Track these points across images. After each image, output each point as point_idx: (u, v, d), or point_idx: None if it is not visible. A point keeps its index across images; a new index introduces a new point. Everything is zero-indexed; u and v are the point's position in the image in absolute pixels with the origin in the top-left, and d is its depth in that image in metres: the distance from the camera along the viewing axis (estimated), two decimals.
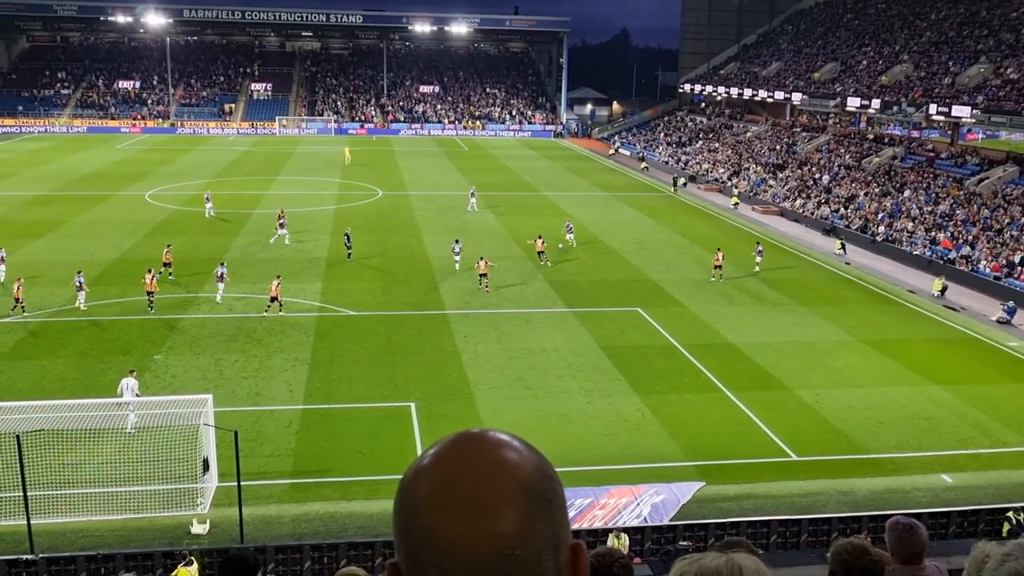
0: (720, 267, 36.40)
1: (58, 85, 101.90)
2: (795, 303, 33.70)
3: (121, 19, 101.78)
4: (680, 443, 21.43)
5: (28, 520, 16.09)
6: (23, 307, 29.47)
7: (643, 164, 74.93)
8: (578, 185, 63.57)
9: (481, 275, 33.73)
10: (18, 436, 16.11)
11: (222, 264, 32.55)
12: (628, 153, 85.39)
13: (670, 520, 17.76)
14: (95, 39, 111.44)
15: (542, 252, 38.30)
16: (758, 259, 38.23)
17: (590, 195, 59.14)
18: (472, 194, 52.25)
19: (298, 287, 33.81)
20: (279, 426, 21.74)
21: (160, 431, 19.73)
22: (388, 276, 35.90)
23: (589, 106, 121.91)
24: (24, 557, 15.30)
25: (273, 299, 29.91)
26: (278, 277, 30.94)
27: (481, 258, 34.49)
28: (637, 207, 54.72)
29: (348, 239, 38.61)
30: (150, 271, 30.81)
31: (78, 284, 30.46)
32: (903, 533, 3.86)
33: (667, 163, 76.26)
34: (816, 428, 22.60)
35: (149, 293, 30.34)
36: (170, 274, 33.69)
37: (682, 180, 64.75)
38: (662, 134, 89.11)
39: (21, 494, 16.08)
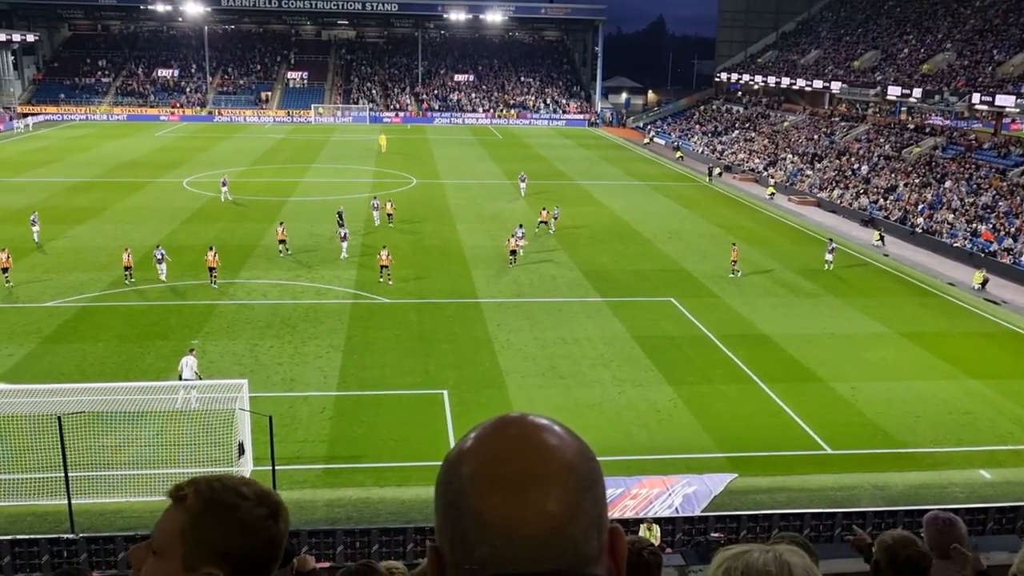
0: (736, 262, 35.80)
1: (99, 73, 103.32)
2: (831, 294, 33.31)
3: (160, 8, 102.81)
4: (712, 434, 21.32)
5: (69, 500, 16.42)
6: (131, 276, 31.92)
7: (678, 153, 74.37)
8: (612, 174, 63.27)
9: (512, 251, 35.62)
10: (59, 418, 16.43)
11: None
12: (663, 142, 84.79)
13: (702, 511, 17.69)
14: (135, 28, 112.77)
15: (544, 222, 42.27)
16: (829, 256, 37.24)
17: (624, 184, 58.84)
18: (522, 179, 52.90)
19: (332, 274, 34.05)
20: (313, 412, 21.95)
21: (197, 415, 20.03)
22: (421, 264, 36.03)
23: (624, 95, 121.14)
24: (65, 536, 15.63)
25: (384, 267, 32.94)
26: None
27: (512, 235, 36.25)
28: (671, 197, 54.36)
29: (340, 217, 39.21)
30: (212, 248, 32.32)
31: (159, 257, 32.20)
32: (943, 527, 3.81)
33: (702, 152, 75.63)
34: (851, 421, 22.36)
35: (211, 269, 31.84)
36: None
37: (717, 170, 64.17)
38: (697, 123, 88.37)
39: (62, 475, 16.41)
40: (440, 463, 1.33)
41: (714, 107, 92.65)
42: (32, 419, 18.78)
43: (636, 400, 23.07)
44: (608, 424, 21.59)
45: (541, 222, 42.38)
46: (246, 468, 18.59)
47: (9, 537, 15.32)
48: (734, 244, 36.92)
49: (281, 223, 38.54)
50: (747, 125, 79.64)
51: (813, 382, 24.71)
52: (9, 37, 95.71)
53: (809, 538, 16.76)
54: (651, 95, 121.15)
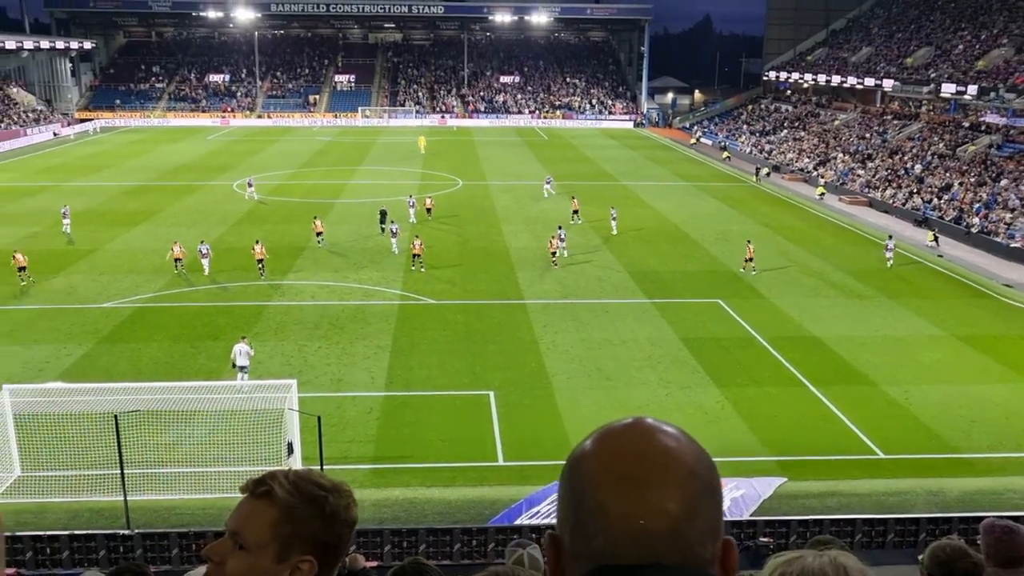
0: (751, 260, 35.44)
1: (153, 79, 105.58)
2: (883, 296, 32.71)
3: (212, 14, 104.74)
4: (761, 437, 21.07)
5: (125, 496, 16.80)
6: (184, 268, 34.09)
7: (725, 154, 73.66)
8: (658, 175, 62.90)
9: (553, 252, 35.88)
10: (116, 416, 16.81)
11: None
12: (710, 143, 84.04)
13: (750, 515, 17.49)
14: (187, 34, 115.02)
15: (577, 211, 44.20)
16: (888, 255, 36.89)
17: (670, 185, 58.45)
18: (548, 181, 53.11)
19: (380, 275, 34.35)
20: (360, 412, 22.16)
21: (247, 415, 20.30)
22: (467, 265, 36.18)
23: (670, 95, 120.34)
24: (121, 532, 15.98)
25: (417, 256, 34.94)
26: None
27: (553, 236, 36.62)
28: (718, 197, 53.86)
29: (384, 217, 40.90)
30: (257, 241, 34.40)
31: (203, 252, 33.80)
32: (1002, 536, 3.72)
33: (750, 152, 74.80)
34: (904, 425, 21.93)
35: (260, 261, 33.67)
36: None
37: (765, 170, 63.43)
38: (745, 123, 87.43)
39: (119, 472, 16.79)
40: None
41: (762, 106, 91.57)
42: (90, 417, 19.24)
43: (683, 402, 22.90)
44: None
45: (574, 211, 43.97)
46: (295, 468, 18.83)
47: (68, 532, 15.72)
48: (749, 241, 36.62)
49: (316, 217, 40.44)
50: (796, 124, 78.57)
51: (865, 385, 24.29)
52: (67, 45, 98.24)
53: (861, 544, 16.51)
54: (697, 95, 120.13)
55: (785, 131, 77.76)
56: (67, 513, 17.43)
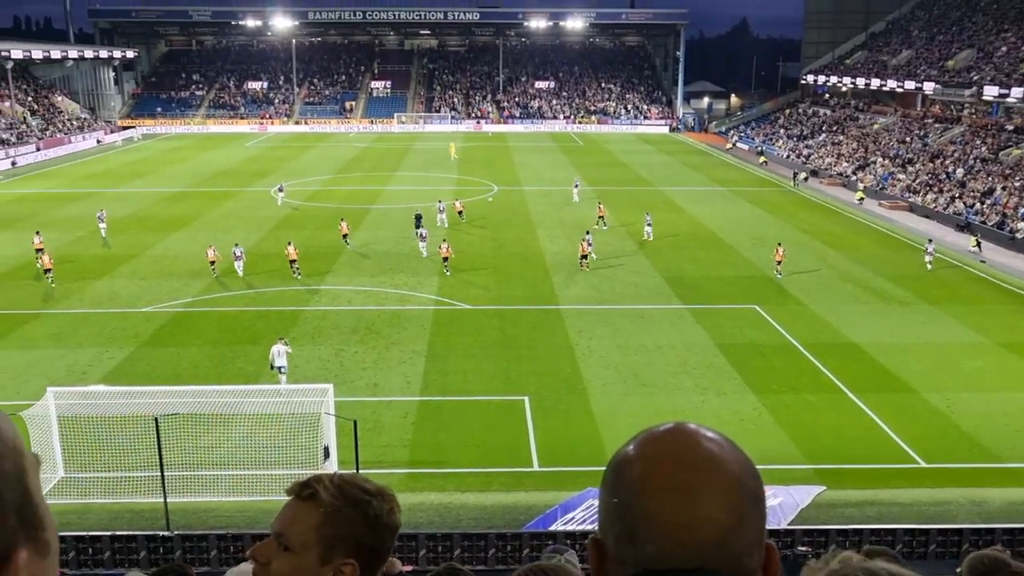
0: (780, 262, 35.30)
1: (193, 87, 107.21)
2: (924, 302, 32.20)
3: (250, 23, 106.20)
4: (799, 445, 20.83)
5: (165, 498, 17.04)
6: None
7: (762, 158, 73.06)
8: (694, 180, 62.54)
9: (582, 256, 36.19)
10: (156, 419, 17.05)
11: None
12: (746, 147, 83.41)
13: (788, 524, 17.29)
14: (227, 42, 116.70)
15: (602, 216, 44.19)
16: (928, 259, 36.69)
17: (706, 190, 58.08)
18: (576, 185, 53.51)
19: (415, 280, 34.52)
20: (396, 416, 22.27)
21: (284, 418, 20.49)
22: (502, 271, 36.23)
23: (706, 99, 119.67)
24: (161, 533, 16.20)
25: (445, 259, 35.64)
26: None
27: (583, 239, 36.88)
28: (755, 202, 53.41)
29: (419, 221, 41.29)
30: (290, 243, 35.35)
31: (237, 254, 34.83)
32: None
33: (787, 157, 74.10)
34: (946, 434, 21.55)
35: (292, 262, 34.58)
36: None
37: (803, 175, 62.79)
38: (782, 127, 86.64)
39: (159, 474, 17.03)
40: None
41: (800, 110, 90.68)
42: (131, 420, 19.55)
43: (719, 409, 22.72)
44: None
45: (599, 217, 43.96)
46: (330, 471, 18.96)
47: (109, 533, 15.97)
48: (779, 244, 36.43)
49: (342, 219, 41.46)
50: (835, 128, 77.70)
51: (905, 393, 23.92)
52: (110, 54, 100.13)
53: (902, 554, 16.24)
54: (734, 99, 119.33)
55: (823, 135, 76.92)
56: (109, 514, 17.70)
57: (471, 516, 17.93)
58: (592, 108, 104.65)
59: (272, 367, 23.75)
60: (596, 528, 1.39)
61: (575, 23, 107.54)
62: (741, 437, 20.83)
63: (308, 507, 1.68)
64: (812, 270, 36.63)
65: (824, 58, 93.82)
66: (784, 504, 17.95)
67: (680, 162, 72.72)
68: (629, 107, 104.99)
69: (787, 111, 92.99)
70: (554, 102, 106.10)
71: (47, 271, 33.77)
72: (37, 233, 37.82)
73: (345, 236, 40.42)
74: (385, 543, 1.74)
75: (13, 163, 69.84)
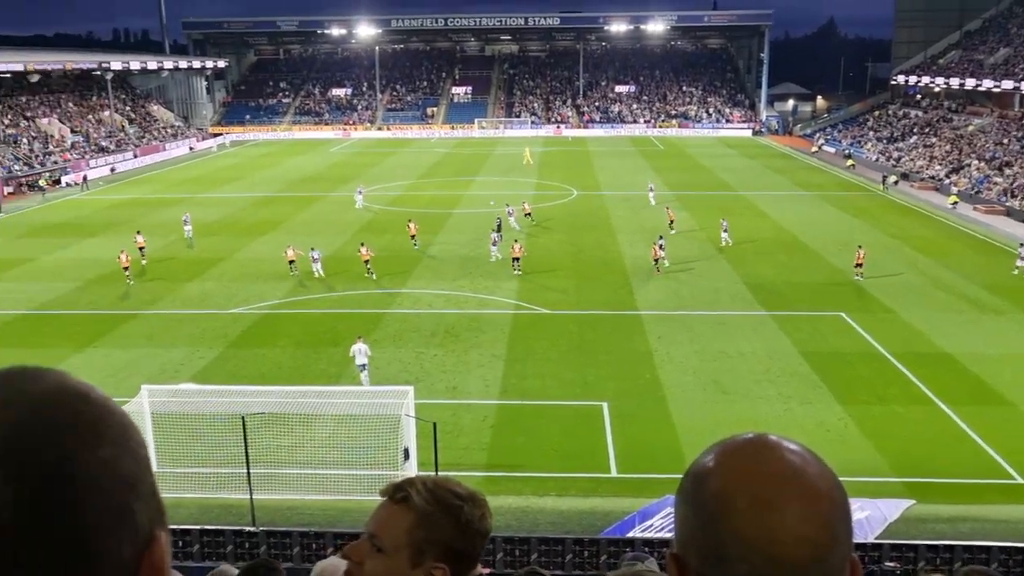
0: (861, 265, 34.54)
1: (280, 95, 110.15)
2: (1021, 311, 30.86)
3: (335, 31, 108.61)
4: (887, 457, 20.20)
5: (251, 495, 17.52)
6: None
7: (849, 161, 71.14)
8: (778, 184, 61.30)
9: (656, 260, 36.20)
10: (243, 418, 17.56)
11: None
12: (833, 150, 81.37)
13: (875, 538, 16.77)
14: (312, 51, 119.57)
15: (672, 221, 43.58)
16: (1021, 263, 35.51)
17: (790, 194, 56.86)
18: (651, 189, 53.54)
19: (495, 285, 34.72)
20: (475, 419, 22.42)
21: (365, 419, 20.84)
22: (582, 276, 36.15)
23: (791, 102, 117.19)
24: (247, 528, 16.66)
25: (516, 259, 36.20)
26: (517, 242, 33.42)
27: (655, 243, 36.87)
28: (841, 207, 52.05)
29: (500, 226, 41.69)
30: (362, 244, 36.74)
31: (314, 257, 35.97)
32: None
33: (876, 160, 72.01)
34: None
35: (366, 262, 35.69)
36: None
37: (893, 178, 60.89)
38: (871, 129, 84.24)
39: (245, 470, 17.53)
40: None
41: (890, 112, 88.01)
42: (219, 418, 20.17)
43: (803, 418, 22.20)
44: None
45: (670, 222, 43.69)
46: (410, 473, 19.21)
47: (199, 527, 16.48)
48: (860, 247, 35.69)
49: (410, 220, 42.47)
50: (927, 130, 75.18)
51: (1002, 406, 22.96)
52: (203, 64, 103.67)
53: (999, 573, 15.59)
54: (820, 101, 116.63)
55: (914, 137, 74.50)
56: (199, 508, 18.28)
57: (548, 520, 17.92)
58: (673, 112, 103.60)
59: (354, 362, 24.45)
60: (673, 540, 1.34)
61: (656, 26, 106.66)
62: (826, 448, 20.40)
63: (401, 509, 1.71)
64: (901, 275, 35.50)
65: (916, 58, 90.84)
66: (871, 518, 17.41)
67: (763, 166, 71.38)
68: (711, 110, 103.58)
69: (876, 113, 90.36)
70: (634, 106, 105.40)
71: (125, 268, 35.72)
72: (138, 232, 40.28)
73: (413, 237, 41.30)
74: (475, 548, 1.74)
75: (112, 169, 72.90)
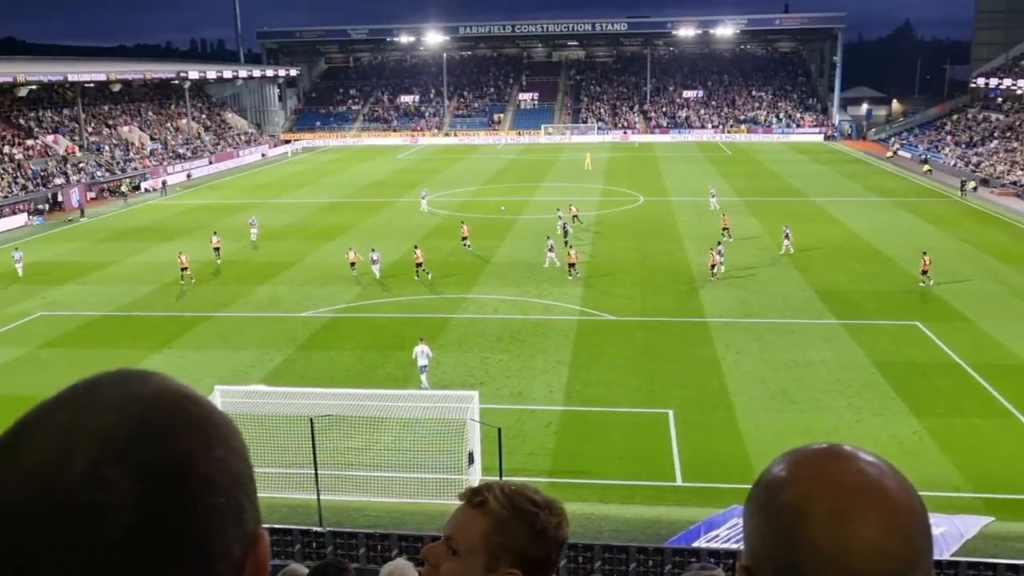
0: (927, 272, 33.75)
1: (349, 102, 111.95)
2: None
3: (404, 39, 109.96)
4: (964, 472, 19.55)
5: (318, 495, 17.81)
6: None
7: (926, 167, 69.20)
8: (850, 190, 59.95)
9: (712, 266, 35.76)
10: (311, 419, 17.87)
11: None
12: (908, 155, 79.26)
13: (951, 555, 16.25)
14: (381, 58, 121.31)
15: (727, 228, 42.66)
16: None
17: (864, 200, 55.55)
18: (712, 194, 52.91)
19: (560, 291, 34.68)
20: (539, 425, 22.42)
21: (430, 423, 21.02)
22: (648, 282, 35.87)
23: (864, 106, 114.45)
24: (314, 528, 16.94)
25: (571, 266, 36.37)
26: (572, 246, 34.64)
27: (712, 249, 36.64)
28: (917, 213, 50.64)
29: (566, 233, 42.28)
30: (416, 246, 37.69)
31: (373, 259, 36.91)
32: None
33: (954, 165, 69.89)
34: None
35: (419, 264, 36.48)
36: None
37: (972, 184, 59.00)
38: (949, 134, 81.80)
39: (313, 471, 17.83)
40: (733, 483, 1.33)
41: (969, 115, 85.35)
42: (288, 419, 20.56)
43: (876, 430, 21.63)
44: None
45: (724, 228, 42.86)
46: (475, 477, 19.30)
47: (268, 525, 16.80)
48: (925, 252, 35.03)
49: (463, 222, 43.74)
50: (1008, 134, 72.68)
51: None
52: (276, 72, 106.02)
53: None
54: (895, 105, 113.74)
55: (995, 142, 72.09)
56: (268, 507, 18.62)
57: (612, 528, 17.81)
58: (742, 117, 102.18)
59: (416, 363, 24.91)
60: (742, 551, 1.30)
61: (725, 30, 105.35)
62: (900, 461, 19.73)
63: (477, 514, 1.72)
64: (979, 284, 34.36)
65: (997, 60, 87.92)
66: (947, 534, 16.87)
67: (835, 171, 69.90)
68: (781, 115, 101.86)
69: (954, 117, 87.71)
70: (702, 111, 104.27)
71: (184, 269, 37.08)
72: (215, 233, 42.29)
73: (464, 239, 42.11)
74: (551, 556, 1.73)
75: (188, 175, 75.01)
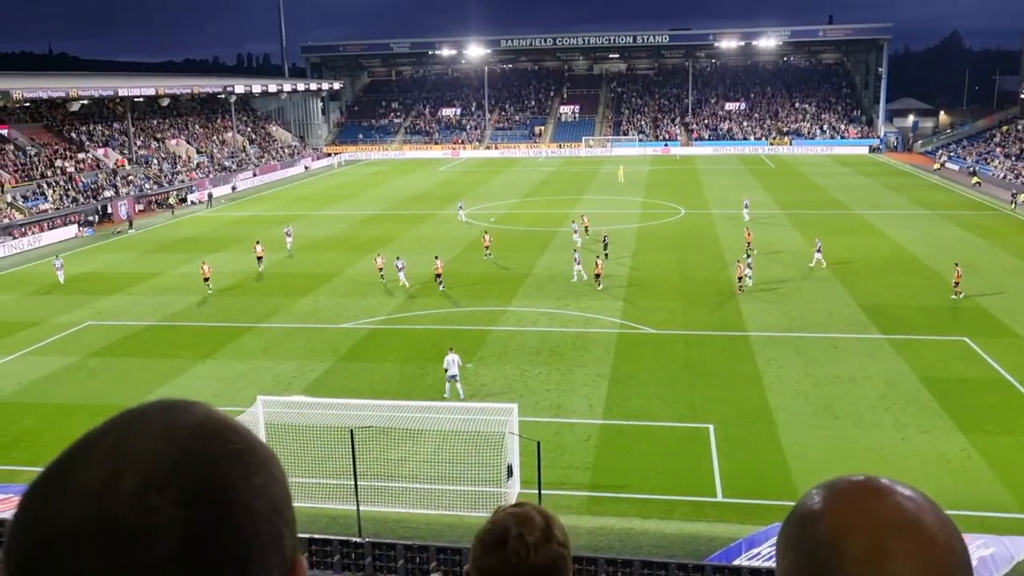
0: (958, 284, 33.67)
1: (391, 115, 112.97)
2: None
3: (446, 52, 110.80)
4: (1014, 492, 19.06)
5: (358, 506, 17.91)
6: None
7: (974, 179, 67.91)
8: (897, 203, 59.03)
9: (740, 278, 35.73)
10: (352, 431, 17.99)
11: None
12: (956, 168, 77.85)
13: None
14: (423, 72, 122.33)
15: (749, 243, 41.95)
16: None
17: (910, 213, 54.66)
18: (746, 205, 53.34)
19: (600, 304, 34.57)
20: (578, 439, 22.33)
21: (469, 436, 21.05)
22: (689, 295, 35.62)
23: (911, 117, 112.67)
24: (353, 539, 17.02)
25: (597, 276, 36.43)
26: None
27: (739, 261, 36.82)
28: (966, 227, 49.68)
29: (606, 243, 42.55)
30: (436, 257, 38.62)
31: (399, 266, 37.73)
32: None
33: (1004, 178, 68.47)
34: None
35: (437, 275, 37.36)
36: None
37: (1023, 196, 57.75)
38: (998, 145, 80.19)
39: (353, 482, 17.94)
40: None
41: (1019, 127, 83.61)
42: (328, 429, 20.73)
43: (922, 447, 21.21)
44: (889, 472, 19.88)
45: (748, 243, 42.46)
46: (514, 490, 19.28)
47: (308, 535, 16.94)
48: (956, 264, 34.89)
49: (485, 232, 44.86)
50: None
51: None
52: (319, 86, 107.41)
53: None
54: (943, 116, 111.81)
55: None
56: (308, 517, 18.78)
57: (652, 543, 17.66)
58: (785, 129, 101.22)
59: (446, 372, 25.14)
60: None
61: (769, 42, 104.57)
62: (947, 479, 19.49)
63: None
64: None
65: None
66: (997, 556, 16.46)
67: (881, 184, 68.89)
68: (825, 127, 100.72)
69: (1004, 128, 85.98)
70: (745, 123, 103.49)
71: (206, 279, 38.24)
72: (258, 243, 43.60)
73: (487, 248, 43.35)
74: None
75: (233, 188, 76.22)
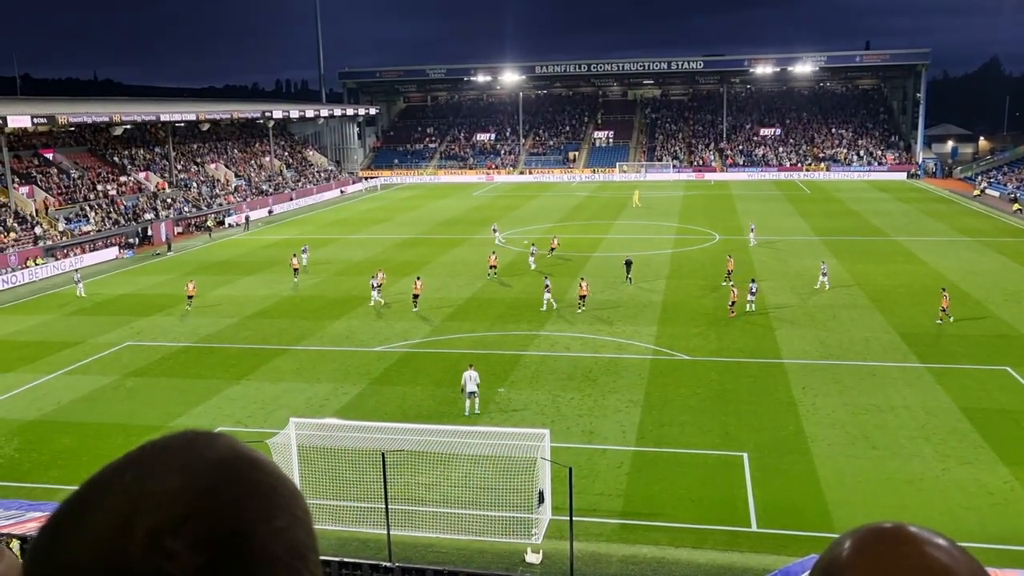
0: (945, 310, 33.60)
1: (426, 140, 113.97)
2: None
3: (481, 78, 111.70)
4: None
5: (388, 530, 17.87)
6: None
7: (1016, 206, 66.84)
8: (935, 229, 58.22)
9: (732, 303, 35.81)
10: (383, 454, 18.00)
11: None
12: (997, 194, 76.70)
13: None
14: (458, 97, 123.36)
15: (730, 272, 42.03)
16: None
17: (949, 240, 53.86)
18: (752, 229, 54.43)
19: (633, 329, 34.39)
20: (611, 465, 22.14)
21: (500, 460, 20.95)
22: (723, 322, 35.31)
23: (950, 143, 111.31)
24: (383, 564, 16.98)
25: (582, 297, 36.95)
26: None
27: (734, 285, 37.19)
28: (1008, 254, 48.83)
29: (628, 267, 43.00)
30: (418, 277, 40.09)
31: (374, 284, 39.30)
32: None
33: None
34: None
35: (415, 296, 38.25)
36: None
37: None
38: None
39: (383, 506, 17.92)
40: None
41: None
42: (360, 453, 20.76)
43: (963, 479, 20.74)
44: (929, 504, 19.59)
45: (728, 272, 41.96)
46: (545, 517, 19.14)
47: (338, 559, 16.93)
48: (943, 289, 35.28)
49: (493, 252, 46.07)
50: None
51: None
52: (356, 111, 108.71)
53: None
54: (983, 142, 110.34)
55: None
56: (338, 540, 18.78)
57: (684, 573, 17.41)
58: (821, 155, 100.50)
59: (464, 389, 25.46)
60: None
61: (804, 67, 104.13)
62: (989, 512, 19.02)
63: None
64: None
65: None
66: None
67: (919, 210, 68.05)
68: (862, 153, 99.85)
69: None
70: (780, 149, 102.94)
71: (190, 297, 39.61)
72: (294, 255, 46.61)
73: (493, 267, 45.07)
74: None
75: (270, 211, 77.18)
